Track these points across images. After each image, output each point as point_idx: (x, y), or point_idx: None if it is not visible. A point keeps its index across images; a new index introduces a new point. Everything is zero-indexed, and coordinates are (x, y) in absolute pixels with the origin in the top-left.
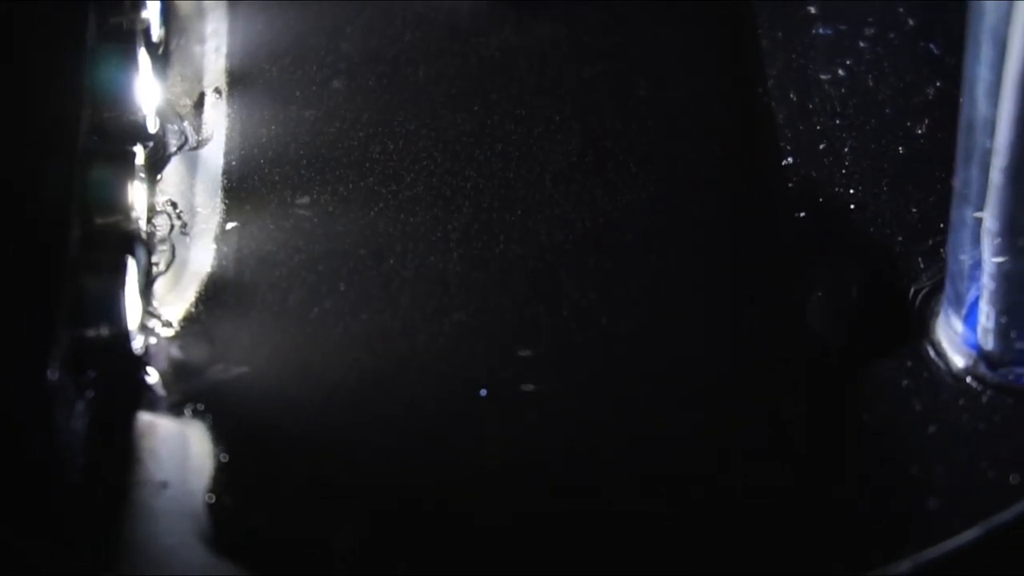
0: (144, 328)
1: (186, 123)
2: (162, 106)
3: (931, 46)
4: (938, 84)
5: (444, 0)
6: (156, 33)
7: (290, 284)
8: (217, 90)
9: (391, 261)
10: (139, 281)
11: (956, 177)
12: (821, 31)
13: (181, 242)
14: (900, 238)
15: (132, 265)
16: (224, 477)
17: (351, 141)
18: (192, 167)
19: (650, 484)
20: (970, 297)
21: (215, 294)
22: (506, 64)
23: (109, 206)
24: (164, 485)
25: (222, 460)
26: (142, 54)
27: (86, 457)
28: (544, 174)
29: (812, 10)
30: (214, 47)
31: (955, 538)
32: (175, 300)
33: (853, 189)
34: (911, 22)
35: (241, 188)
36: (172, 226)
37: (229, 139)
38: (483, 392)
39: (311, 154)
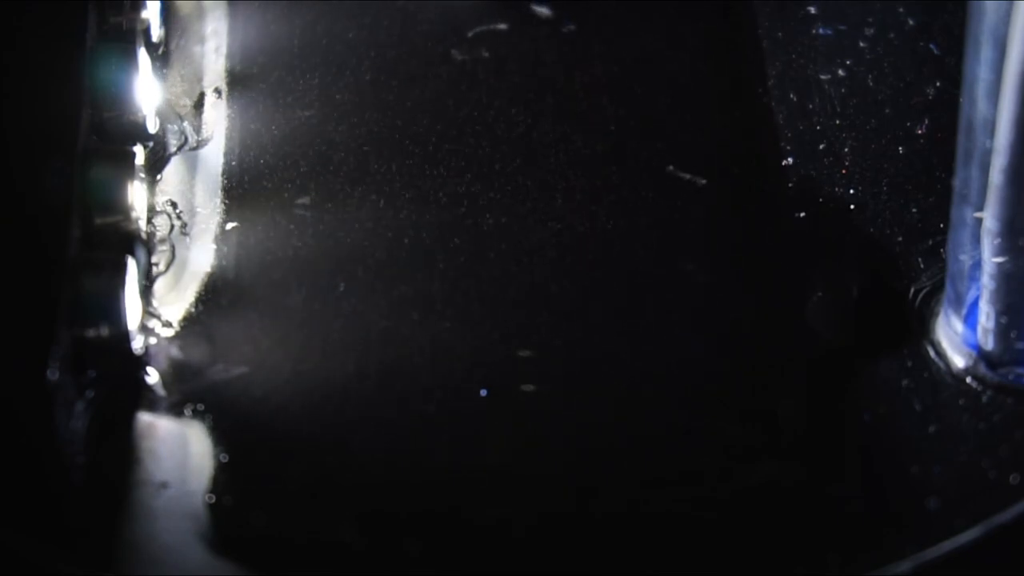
0: (144, 328)
1: (186, 123)
2: (162, 106)
3: (931, 46)
4: (938, 84)
5: (442, 0)
6: (156, 33)
7: (290, 284)
8: (217, 90)
9: (391, 261)
10: (139, 281)
11: (956, 177)
12: (821, 31)
13: (181, 242)
14: (900, 238)
15: (132, 265)
16: (224, 477)
17: (351, 141)
18: (192, 167)
19: (650, 484)
20: (970, 297)
21: (215, 294)
22: (504, 64)
23: (109, 206)
24: (164, 485)
25: (222, 460)
26: (142, 54)
27: (86, 457)
28: (544, 174)
29: (812, 10)
30: (214, 47)
31: (955, 538)
32: (175, 300)
33: (853, 189)
34: (911, 22)
35: (241, 188)
36: (172, 226)
37: (229, 139)
38: (483, 392)
39: (311, 154)
